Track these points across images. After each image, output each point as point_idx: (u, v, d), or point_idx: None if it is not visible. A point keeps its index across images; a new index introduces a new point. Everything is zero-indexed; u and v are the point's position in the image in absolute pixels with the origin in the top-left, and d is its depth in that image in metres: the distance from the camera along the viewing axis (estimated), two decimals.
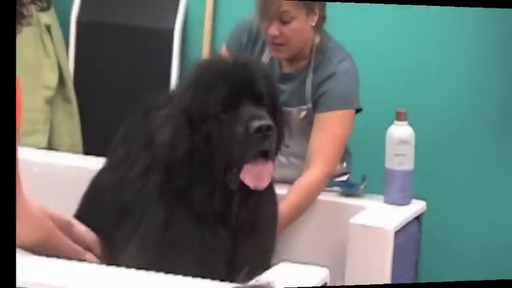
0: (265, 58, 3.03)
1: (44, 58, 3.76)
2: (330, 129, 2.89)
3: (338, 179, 3.01)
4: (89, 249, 2.33)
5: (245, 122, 2.21)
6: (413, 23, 3.61)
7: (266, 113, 2.26)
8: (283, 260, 2.26)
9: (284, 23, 2.88)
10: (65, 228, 2.29)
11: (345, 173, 3.10)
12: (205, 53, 3.83)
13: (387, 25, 3.64)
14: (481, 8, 3.20)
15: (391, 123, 2.86)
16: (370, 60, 3.53)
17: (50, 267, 2.06)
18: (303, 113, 2.98)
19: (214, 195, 2.26)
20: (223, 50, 3.11)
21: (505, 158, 3.55)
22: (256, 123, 2.19)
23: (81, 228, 2.36)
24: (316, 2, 2.94)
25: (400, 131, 2.84)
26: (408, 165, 2.84)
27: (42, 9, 2.14)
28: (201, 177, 2.26)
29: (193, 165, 2.25)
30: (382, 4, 3.38)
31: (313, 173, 2.86)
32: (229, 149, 2.23)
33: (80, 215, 2.47)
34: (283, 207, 2.65)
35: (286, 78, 3.00)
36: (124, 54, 3.97)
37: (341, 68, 2.95)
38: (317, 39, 2.99)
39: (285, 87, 2.97)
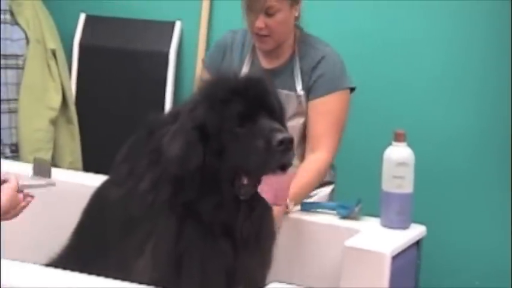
0: (246, 65, 3.13)
1: (49, 81, 4.02)
2: (329, 113, 3.01)
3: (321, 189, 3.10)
4: None
5: (266, 135, 2.24)
6: (416, 37, 3.58)
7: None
8: (277, 281, 2.22)
9: (269, 15, 2.99)
10: None
11: (330, 183, 3.18)
12: (198, 75, 3.95)
13: (386, 40, 3.62)
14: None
15: (389, 144, 2.77)
16: (369, 78, 3.52)
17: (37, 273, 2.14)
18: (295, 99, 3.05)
19: (222, 206, 2.29)
20: (203, 69, 3.24)
21: (509, 181, 3.47)
22: (280, 136, 2.23)
23: None
24: None
25: (399, 153, 2.75)
26: (407, 188, 2.74)
27: None
28: (210, 189, 2.29)
29: (203, 178, 2.27)
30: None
31: (322, 155, 2.96)
32: (246, 162, 2.26)
33: (83, 227, 2.57)
34: (294, 187, 2.65)
35: (272, 73, 3.07)
36: (122, 77, 4.19)
37: (328, 51, 3.08)
38: (298, 33, 3.12)
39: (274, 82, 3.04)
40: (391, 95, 3.62)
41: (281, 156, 2.24)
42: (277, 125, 2.28)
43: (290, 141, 2.25)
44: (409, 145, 2.76)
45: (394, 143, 2.76)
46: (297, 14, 3.08)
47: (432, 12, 3.59)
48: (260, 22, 2.99)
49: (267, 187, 2.26)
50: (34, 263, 2.28)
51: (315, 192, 3.13)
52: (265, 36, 3.02)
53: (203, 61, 3.29)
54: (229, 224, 2.31)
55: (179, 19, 4.09)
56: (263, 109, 2.30)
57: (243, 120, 2.28)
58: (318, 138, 2.99)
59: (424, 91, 3.59)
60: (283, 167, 2.28)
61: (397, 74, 3.63)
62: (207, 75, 3.17)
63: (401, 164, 2.73)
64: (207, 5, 4.02)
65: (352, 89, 3.09)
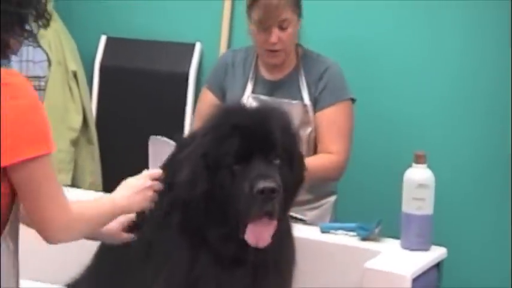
0: (251, 80, 3.20)
1: (70, 102, 4.04)
2: (336, 123, 3.10)
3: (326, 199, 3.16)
4: None
5: (251, 180, 2.20)
6: (432, 58, 3.57)
7: (276, 169, 2.25)
8: None
9: (283, 29, 3.08)
10: None
11: (333, 193, 3.24)
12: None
13: (405, 62, 3.61)
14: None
15: (409, 165, 2.77)
16: (389, 100, 3.50)
17: None
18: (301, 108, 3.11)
19: (230, 239, 2.26)
20: (205, 91, 3.30)
21: None
22: (261, 185, 2.18)
23: None
24: (299, 7, 3.15)
25: (419, 174, 2.75)
26: (427, 209, 2.74)
27: (44, 26, 2.15)
28: (216, 221, 2.26)
29: (209, 207, 2.25)
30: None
31: (332, 155, 3.05)
32: (238, 203, 2.23)
33: (102, 252, 2.54)
34: None
35: (277, 84, 3.17)
36: (142, 98, 4.19)
37: (330, 62, 3.19)
38: (300, 50, 3.22)
39: (279, 93, 3.15)
40: (411, 117, 3.61)
41: (262, 205, 2.19)
42: (268, 170, 2.22)
43: (271, 190, 2.18)
44: (430, 167, 2.76)
45: (414, 165, 2.76)
46: (299, 27, 3.16)
47: (433, 15, 3.58)
48: (275, 37, 3.07)
49: (249, 230, 2.23)
50: (55, 284, 2.28)
51: (320, 203, 3.19)
52: (278, 50, 3.10)
53: (206, 81, 3.35)
54: (241, 255, 2.27)
55: (199, 40, 4.11)
56: (260, 147, 2.24)
57: (238, 159, 2.24)
58: (327, 147, 3.07)
59: (444, 112, 3.58)
60: (268, 213, 2.22)
61: (416, 96, 3.62)
62: (209, 95, 3.26)
63: (422, 185, 2.73)
64: (227, 27, 4.03)
65: (353, 100, 3.18)
